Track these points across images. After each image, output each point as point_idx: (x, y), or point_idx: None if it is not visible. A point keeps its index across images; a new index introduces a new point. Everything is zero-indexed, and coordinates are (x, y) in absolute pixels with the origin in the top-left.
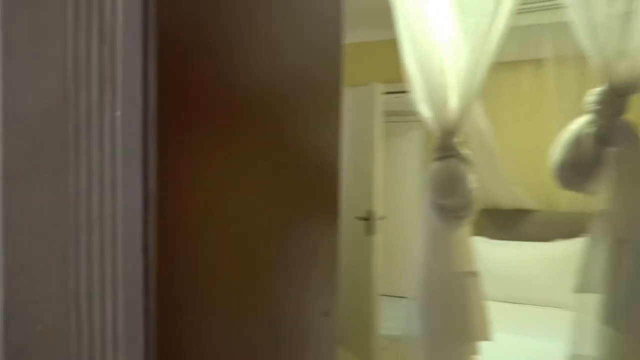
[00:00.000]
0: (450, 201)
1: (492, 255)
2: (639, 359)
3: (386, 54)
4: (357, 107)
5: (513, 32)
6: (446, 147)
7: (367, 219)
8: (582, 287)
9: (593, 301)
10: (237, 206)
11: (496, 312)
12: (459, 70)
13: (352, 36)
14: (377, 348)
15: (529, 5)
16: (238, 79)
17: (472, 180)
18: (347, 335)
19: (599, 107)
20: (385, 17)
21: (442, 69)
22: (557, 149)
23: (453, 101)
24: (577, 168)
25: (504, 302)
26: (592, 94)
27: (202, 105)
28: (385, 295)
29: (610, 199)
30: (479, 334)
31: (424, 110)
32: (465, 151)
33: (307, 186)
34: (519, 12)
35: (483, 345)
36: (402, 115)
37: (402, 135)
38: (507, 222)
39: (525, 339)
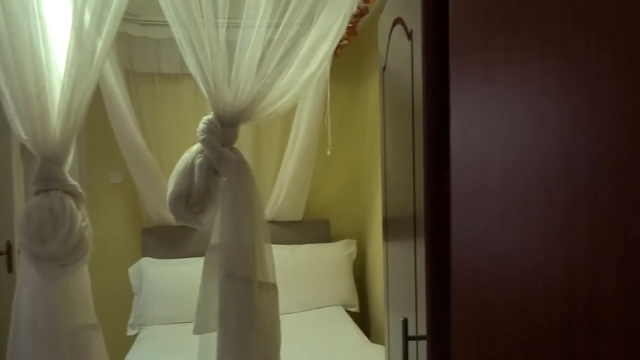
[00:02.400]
0: (49, 248)
1: (161, 275)
2: None
3: None
4: None
5: (174, 44)
6: (49, 177)
7: (7, 253)
8: (200, 327)
9: (214, 339)
10: None
11: (170, 336)
12: (62, 81)
13: None
14: None
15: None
16: None
17: (82, 217)
18: None
19: (205, 135)
20: None
21: (39, 81)
22: (171, 180)
23: (55, 121)
24: (190, 200)
25: (178, 323)
26: (201, 122)
27: None
28: None
29: (219, 232)
30: None
31: (19, 130)
32: (73, 182)
33: None
34: None
35: None
36: None
37: None
38: (174, 239)
39: None
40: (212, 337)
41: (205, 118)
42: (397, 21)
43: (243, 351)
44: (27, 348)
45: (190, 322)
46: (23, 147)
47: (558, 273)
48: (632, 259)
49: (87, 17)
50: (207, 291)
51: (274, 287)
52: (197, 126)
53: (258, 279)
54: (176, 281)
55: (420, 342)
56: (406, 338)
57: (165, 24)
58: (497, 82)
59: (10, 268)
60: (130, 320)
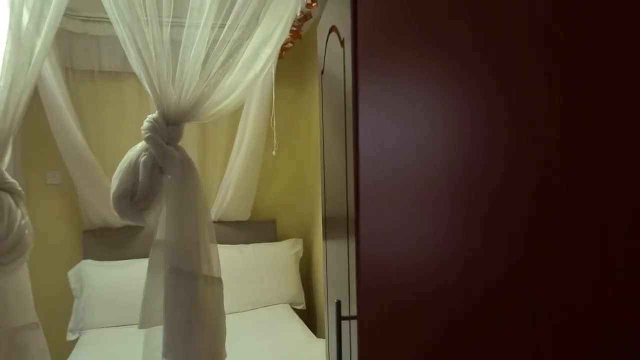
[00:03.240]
0: None
1: (103, 278)
2: None
3: None
4: None
5: (116, 42)
6: None
7: None
8: (145, 322)
9: (160, 333)
10: None
11: (111, 340)
12: (0, 86)
13: None
14: None
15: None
16: None
17: (22, 216)
18: None
19: (150, 134)
20: None
21: None
22: (115, 177)
23: None
24: (135, 197)
25: (121, 326)
26: (146, 121)
27: None
28: None
29: (165, 229)
30: None
31: None
32: (11, 179)
33: None
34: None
35: None
36: None
37: None
38: (116, 241)
39: None
40: (157, 332)
41: (150, 116)
42: (333, 29)
43: (188, 344)
44: None
45: (133, 324)
46: None
47: (451, 265)
48: (512, 251)
49: (26, 15)
50: (152, 286)
51: (219, 281)
52: (141, 125)
53: (203, 273)
54: (118, 283)
55: (352, 321)
56: (339, 318)
57: (106, 21)
58: (389, 86)
59: None
60: (70, 325)
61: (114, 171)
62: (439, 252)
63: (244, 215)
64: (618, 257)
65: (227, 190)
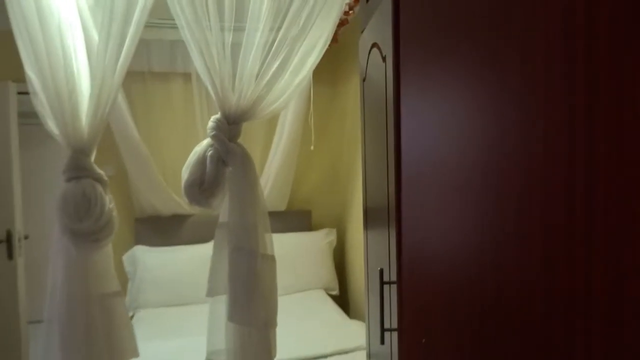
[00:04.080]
0: (85, 225)
1: (154, 262)
2: (261, 347)
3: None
4: None
5: (164, 45)
6: (79, 166)
7: (7, 241)
8: (212, 291)
9: (222, 302)
10: None
11: (163, 318)
12: (90, 84)
13: None
14: None
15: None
16: None
17: (109, 201)
18: None
19: (215, 132)
20: None
21: (70, 84)
22: (185, 169)
23: (84, 118)
24: (202, 187)
25: (171, 306)
26: (211, 121)
27: None
28: (36, 322)
29: (227, 213)
30: (128, 352)
31: (51, 126)
32: (100, 171)
33: None
34: (168, 26)
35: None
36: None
37: (43, 140)
38: (166, 228)
39: (188, 339)
40: (220, 301)
41: (214, 117)
42: (374, 45)
43: (248, 310)
44: (61, 309)
45: (182, 305)
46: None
47: (469, 247)
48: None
49: (114, 28)
50: (217, 261)
51: (272, 259)
52: (187, 121)
53: (260, 251)
54: (168, 267)
55: (392, 285)
56: (382, 283)
57: (155, 26)
58: (427, 96)
59: (10, 255)
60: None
61: (164, 164)
62: (467, 233)
63: (281, 206)
64: None
65: (267, 182)
